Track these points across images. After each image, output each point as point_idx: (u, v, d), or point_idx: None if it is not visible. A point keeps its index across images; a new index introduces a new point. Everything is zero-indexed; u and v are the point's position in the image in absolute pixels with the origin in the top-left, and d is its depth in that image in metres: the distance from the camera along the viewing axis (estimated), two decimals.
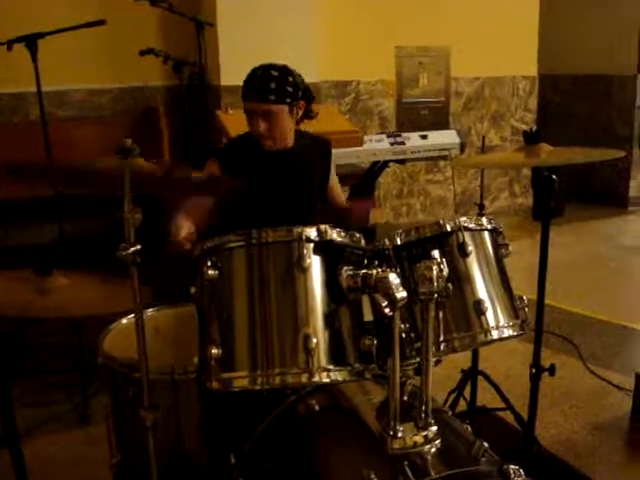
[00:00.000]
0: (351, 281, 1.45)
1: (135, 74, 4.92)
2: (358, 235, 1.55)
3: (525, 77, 6.63)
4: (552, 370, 2.00)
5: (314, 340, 1.41)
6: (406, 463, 1.42)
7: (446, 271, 1.48)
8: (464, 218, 1.67)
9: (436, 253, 1.50)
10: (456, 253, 1.62)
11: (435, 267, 1.43)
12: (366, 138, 4.24)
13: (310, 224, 2.49)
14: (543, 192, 1.93)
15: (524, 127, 6.71)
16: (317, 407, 1.71)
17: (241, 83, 2.37)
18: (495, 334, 1.63)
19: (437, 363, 1.98)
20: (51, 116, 4.79)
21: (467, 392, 2.73)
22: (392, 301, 1.37)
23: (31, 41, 2.86)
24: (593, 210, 6.83)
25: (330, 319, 1.46)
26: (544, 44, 6.59)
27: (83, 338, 3.17)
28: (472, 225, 1.65)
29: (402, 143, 4.34)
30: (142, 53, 3.80)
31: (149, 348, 1.94)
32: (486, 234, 1.70)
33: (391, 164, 4.61)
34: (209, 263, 1.47)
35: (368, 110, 6.02)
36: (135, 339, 1.69)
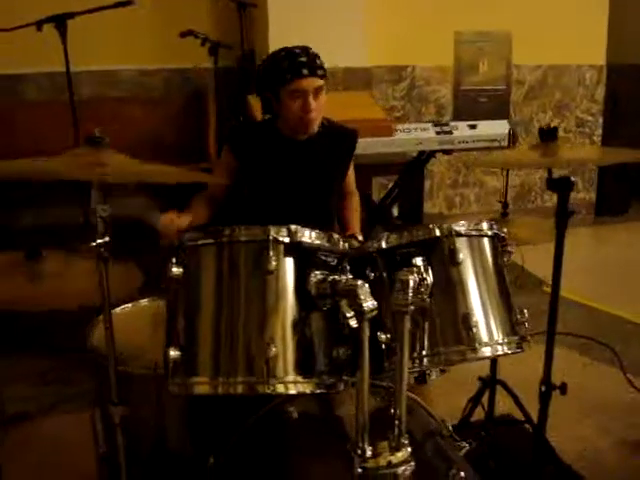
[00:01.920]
0: (320, 287, 1.35)
1: (186, 55, 4.89)
2: (337, 237, 1.44)
3: (592, 66, 6.28)
4: (563, 388, 1.84)
5: (274, 349, 1.32)
6: None
7: (430, 280, 1.37)
8: (462, 222, 1.55)
9: (419, 260, 1.39)
10: (447, 261, 1.50)
11: (413, 276, 1.31)
12: (411, 126, 4.07)
13: (328, 220, 2.41)
14: (560, 195, 1.78)
15: (590, 119, 6.39)
16: (295, 414, 1.62)
17: None
18: (487, 351, 1.51)
19: (442, 372, 1.87)
20: (101, 96, 4.85)
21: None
22: (359, 312, 1.26)
23: (60, 21, 2.83)
24: None
25: (298, 327, 1.37)
26: (613, 30, 6.20)
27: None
28: (468, 230, 1.53)
29: (449, 132, 4.14)
30: (182, 35, 3.78)
31: (146, 339, 1.91)
32: (486, 241, 1.58)
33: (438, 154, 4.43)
34: (174, 260, 1.40)
35: (424, 97, 5.83)
36: (128, 330, 1.64)
